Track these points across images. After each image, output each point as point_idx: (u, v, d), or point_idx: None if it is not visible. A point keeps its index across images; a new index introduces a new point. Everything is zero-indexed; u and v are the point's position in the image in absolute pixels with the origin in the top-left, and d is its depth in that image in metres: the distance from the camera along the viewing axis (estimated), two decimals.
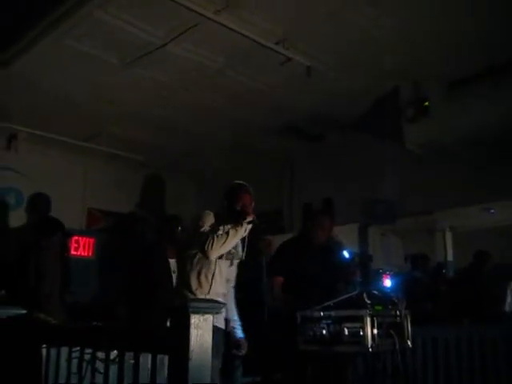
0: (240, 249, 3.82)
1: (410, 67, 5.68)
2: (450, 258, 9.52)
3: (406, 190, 7.19)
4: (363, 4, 4.77)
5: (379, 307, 4.29)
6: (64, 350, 2.69)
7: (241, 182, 3.90)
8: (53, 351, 2.74)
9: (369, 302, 4.23)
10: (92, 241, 8.10)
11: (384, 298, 4.42)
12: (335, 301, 4.21)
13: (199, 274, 3.58)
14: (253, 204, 3.75)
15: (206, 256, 3.52)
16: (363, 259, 7.65)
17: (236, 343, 3.78)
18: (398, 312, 4.24)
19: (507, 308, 6.34)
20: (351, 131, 6.82)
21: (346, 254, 5.10)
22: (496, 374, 4.38)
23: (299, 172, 8.21)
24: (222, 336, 3.60)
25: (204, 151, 7.91)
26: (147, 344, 2.25)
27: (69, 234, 5.81)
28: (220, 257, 3.61)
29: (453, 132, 6.16)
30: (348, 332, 4.03)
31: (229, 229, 3.53)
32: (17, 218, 6.04)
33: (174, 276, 5.11)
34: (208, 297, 3.49)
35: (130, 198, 7.94)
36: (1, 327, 2.95)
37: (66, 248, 5.54)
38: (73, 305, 5.37)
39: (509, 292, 6.80)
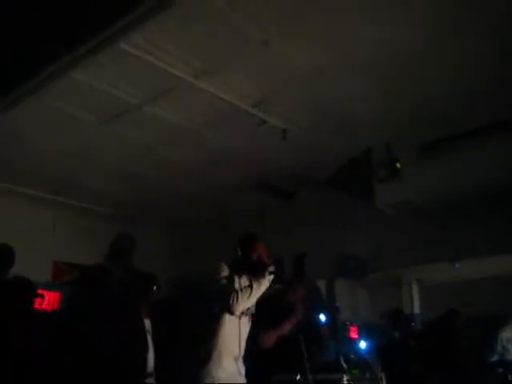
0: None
1: (382, 129, 5.85)
2: (416, 310, 9.65)
3: (377, 247, 7.32)
4: (340, 72, 4.89)
5: (356, 371, 4.31)
6: None
7: (252, 231, 3.81)
8: None
9: (345, 366, 4.25)
10: (58, 295, 7.88)
11: (360, 362, 4.45)
12: (312, 363, 4.21)
13: (221, 334, 3.35)
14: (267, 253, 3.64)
15: (230, 312, 3.31)
16: (330, 311, 7.66)
17: None
18: (374, 375, 4.26)
19: (496, 357, 6.42)
20: (324, 189, 6.95)
21: (322, 317, 5.09)
22: None
23: (271, 227, 8.25)
24: None
25: (178, 205, 7.90)
26: None
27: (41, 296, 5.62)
28: (241, 313, 3.43)
29: (422, 193, 6.36)
30: None
31: (251, 281, 3.38)
32: None
33: (149, 336, 5.00)
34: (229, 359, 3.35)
35: (99, 252, 7.79)
36: None
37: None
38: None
39: (499, 341, 6.92)
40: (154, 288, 5.35)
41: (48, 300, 7.80)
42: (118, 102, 5.31)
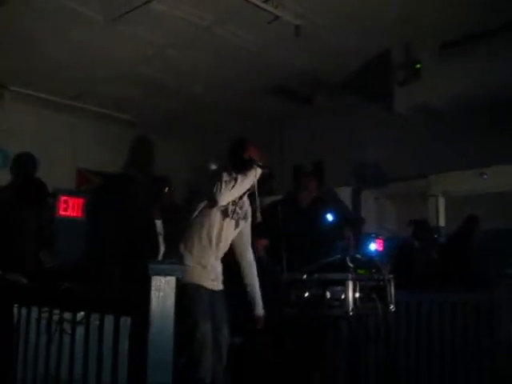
0: (247, 209, 3.64)
1: (402, 28, 5.54)
2: (442, 223, 9.53)
3: (398, 154, 7.13)
4: None
5: (362, 271, 4.28)
6: (34, 311, 2.67)
7: (245, 136, 3.73)
8: (24, 311, 2.72)
9: (351, 265, 4.21)
10: (81, 201, 8.04)
11: (367, 262, 4.41)
12: (319, 264, 4.19)
13: (201, 229, 3.40)
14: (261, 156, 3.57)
15: (214, 201, 3.32)
16: (356, 222, 7.61)
17: (255, 319, 3.71)
18: (381, 276, 4.22)
19: None
20: (341, 93, 6.71)
21: (329, 217, 5.05)
22: (476, 338, 4.39)
23: (289, 134, 8.11)
24: (219, 297, 3.48)
25: (192, 112, 7.77)
26: (111, 306, 2.22)
27: (53, 195, 5.73)
28: (225, 214, 3.44)
29: (445, 95, 6.05)
30: (330, 295, 4.02)
31: (237, 175, 3.38)
32: (2, 178, 5.97)
33: (161, 238, 5.08)
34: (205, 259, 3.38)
35: (119, 158, 7.84)
36: None
37: (49, 209, 5.47)
38: (59, 266, 5.33)
39: None
40: (166, 190, 5.37)
41: (72, 206, 8.00)
42: None
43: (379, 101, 6.28)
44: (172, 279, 2.02)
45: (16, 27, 5.66)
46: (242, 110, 7.61)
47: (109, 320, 2.19)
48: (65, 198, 7.73)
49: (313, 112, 7.65)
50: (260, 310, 3.71)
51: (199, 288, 3.34)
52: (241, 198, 3.51)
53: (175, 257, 3.25)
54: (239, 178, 3.34)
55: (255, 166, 3.40)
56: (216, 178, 3.34)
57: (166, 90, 7.18)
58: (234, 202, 3.47)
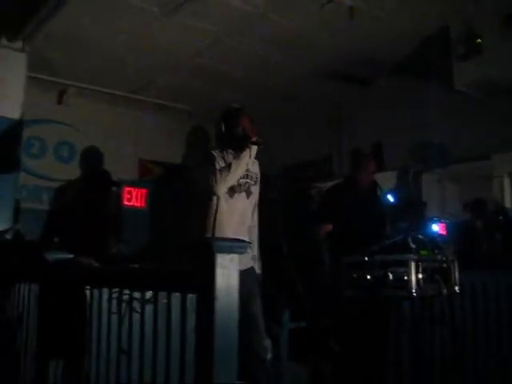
0: (256, 172, 3.54)
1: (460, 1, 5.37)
2: (508, 204, 9.23)
3: (460, 134, 6.94)
4: None
5: (425, 252, 4.22)
6: (105, 292, 2.79)
7: (237, 104, 3.59)
8: (96, 292, 2.85)
9: (414, 246, 4.16)
10: (144, 191, 8.26)
11: (430, 243, 4.34)
12: (380, 245, 4.17)
13: (206, 216, 3.28)
14: (253, 127, 3.43)
15: (213, 193, 3.25)
16: (417, 206, 7.48)
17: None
18: (444, 257, 4.15)
19: None
20: (400, 74, 6.57)
21: (390, 197, 5.00)
22: None
23: (348, 117, 8.01)
24: (254, 278, 3.41)
25: (251, 100, 7.79)
26: (177, 284, 2.30)
27: (119, 185, 5.93)
28: (232, 191, 3.33)
29: (508, 70, 5.82)
30: (392, 277, 3.98)
31: (231, 161, 3.26)
32: (70, 172, 6.22)
33: None
34: None
35: (178, 149, 8.01)
36: (50, 270, 3.09)
37: (116, 199, 5.66)
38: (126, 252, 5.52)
39: None
40: None
41: (136, 196, 8.24)
42: None
43: (439, 79, 6.11)
44: (235, 256, 2.07)
45: (75, 25, 5.87)
46: (300, 96, 7.58)
47: (176, 298, 2.27)
48: (129, 188, 7.99)
49: (372, 95, 7.53)
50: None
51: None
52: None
53: None
54: (233, 164, 3.24)
55: (250, 145, 3.26)
56: (209, 167, 3.25)
57: (223, 78, 7.24)
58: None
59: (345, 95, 7.72)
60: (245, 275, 3.35)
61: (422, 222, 7.30)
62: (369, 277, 4.06)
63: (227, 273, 2.07)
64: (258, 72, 7.11)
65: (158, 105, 8.27)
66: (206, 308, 2.06)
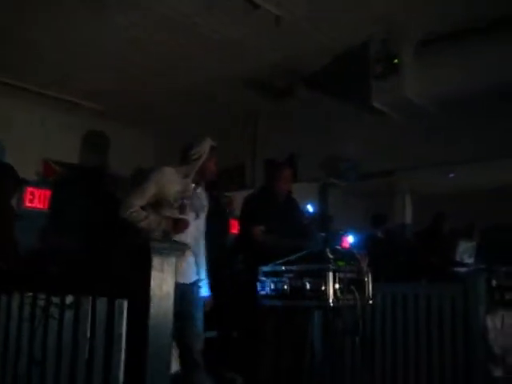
0: (204, 201, 3.67)
1: (381, 22, 5.55)
2: (408, 220, 9.65)
3: (367, 150, 7.15)
4: None
5: (342, 263, 4.25)
6: (16, 297, 2.54)
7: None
8: (4, 297, 2.59)
9: (331, 256, 4.19)
10: (48, 193, 7.82)
11: (347, 254, 4.39)
12: (297, 255, 4.15)
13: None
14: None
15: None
16: (323, 219, 7.62)
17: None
18: (360, 268, 4.20)
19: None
20: (319, 87, 6.67)
21: (310, 208, 5.02)
22: (452, 329, 4.43)
23: (262, 127, 8.02)
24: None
25: (165, 102, 7.63)
26: (104, 288, 2.12)
27: (23, 182, 5.55)
28: (183, 210, 3.40)
29: (422, 91, 6.09)
30: (309, 286, 3.98)
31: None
32: None
33: None
34: None
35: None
36: None
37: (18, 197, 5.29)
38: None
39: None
40: None
41: (39, 198, 7.77)
42: None
43: (358, 95, 6.26)
44: (172, 259, 1.94)
45: None
46: (215, 100, 7.49)
47: (104, 304, 2.09)
48: (31, 189, 7.51)
49: (290, 106, 7.60)
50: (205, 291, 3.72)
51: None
52: (195, 189, 3.52)
53: None
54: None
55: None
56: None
57: (138, 78, 7.02)
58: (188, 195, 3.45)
59: (261, 104, 7.72)
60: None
61: (330, 234, 7.47)
62: (286, 286, 4.04)
63: (163, 277, 1.93)
64: (174, 73, 6.94)
65: (69, 102, 7.87)
66: (139, 315, 1.91)
